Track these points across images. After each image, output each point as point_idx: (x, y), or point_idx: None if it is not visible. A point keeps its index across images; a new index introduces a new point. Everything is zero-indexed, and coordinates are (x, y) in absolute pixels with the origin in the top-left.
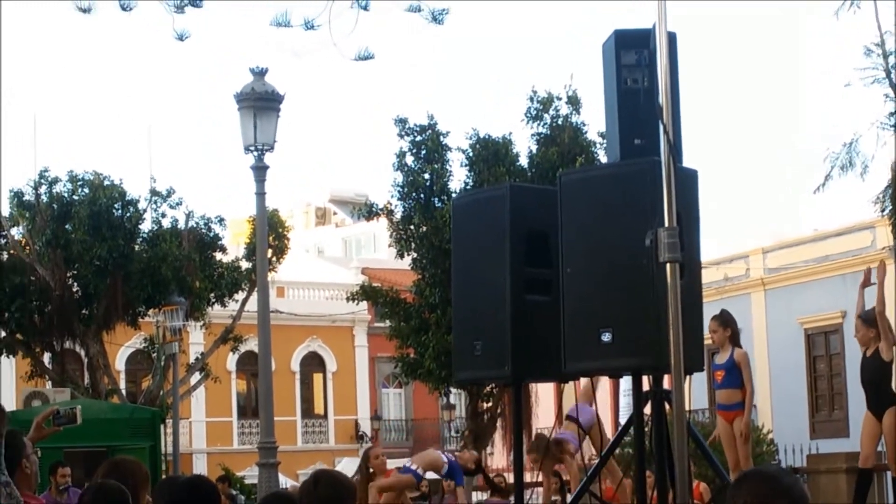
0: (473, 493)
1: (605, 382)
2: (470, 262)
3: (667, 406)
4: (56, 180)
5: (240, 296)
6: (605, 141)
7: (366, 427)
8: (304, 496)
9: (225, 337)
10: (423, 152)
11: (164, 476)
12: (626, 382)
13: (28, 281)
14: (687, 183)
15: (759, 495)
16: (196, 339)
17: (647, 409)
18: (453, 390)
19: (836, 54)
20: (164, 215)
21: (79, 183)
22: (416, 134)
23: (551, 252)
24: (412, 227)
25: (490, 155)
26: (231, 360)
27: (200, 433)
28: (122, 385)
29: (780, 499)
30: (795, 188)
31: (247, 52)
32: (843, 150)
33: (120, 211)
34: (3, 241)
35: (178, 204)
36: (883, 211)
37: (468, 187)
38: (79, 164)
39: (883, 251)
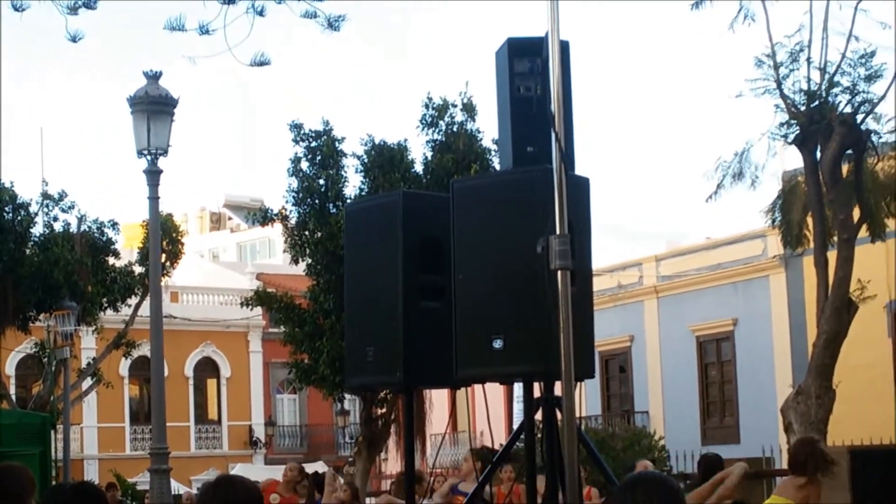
0: None
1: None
2: (363, 268)
3: (558, 412)
4: None
5: (133, 300)
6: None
7: (260, 433)
8: (202, 501)
9: (117, 342)
10: (319, 158)
11: (54, 482)
12: (519, 389)
13: None
14: (579, 190)
15: (654, 499)
16: (88, 344)
17: (539, 416)
18: (347, 396)
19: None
20: (56, 219)
21: None
22: (311, 139)
23: (444, 258)
24: (307, 232)
25: (385, 161)
26: (124, 366)
27: (92, 439)
28: (12, 390)
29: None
30: (688, 196)
31: (141, 55)
32: (734, 159)
33: (11, 214)
34: None
35: (70, 208)
36: (773, 221)
37: (363, 193)
38: None
39: (774, 259)
